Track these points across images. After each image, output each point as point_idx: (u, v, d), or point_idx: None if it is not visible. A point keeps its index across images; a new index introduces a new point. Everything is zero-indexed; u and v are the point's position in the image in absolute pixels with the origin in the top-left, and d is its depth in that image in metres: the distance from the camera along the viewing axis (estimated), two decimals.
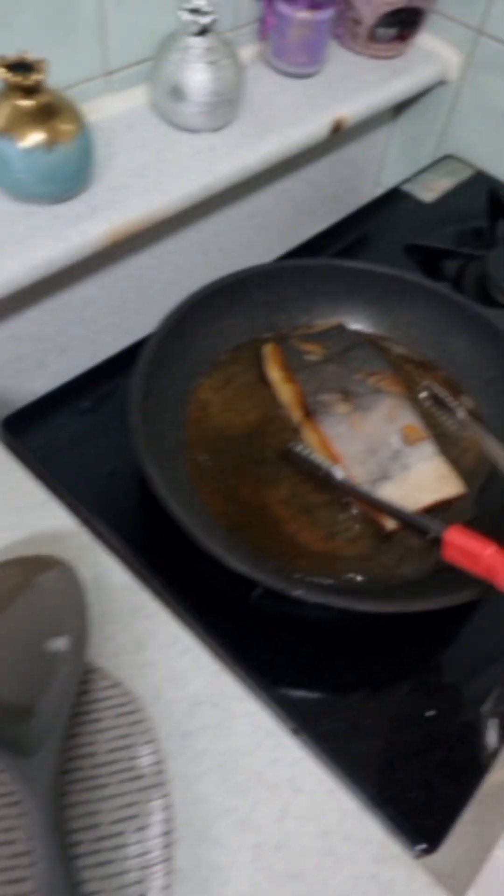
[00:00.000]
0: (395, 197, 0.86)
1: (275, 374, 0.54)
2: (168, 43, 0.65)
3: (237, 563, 0.41)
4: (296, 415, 0.53)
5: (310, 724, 0.45)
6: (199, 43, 0.64)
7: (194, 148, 0.68)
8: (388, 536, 0.49)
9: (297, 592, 0.40)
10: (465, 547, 0.38)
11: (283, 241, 0.96)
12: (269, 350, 0.56)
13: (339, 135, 0.84)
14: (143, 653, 0.49)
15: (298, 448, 0.51)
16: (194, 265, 0.82)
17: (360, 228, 0.83)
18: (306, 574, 0.47)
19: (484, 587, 0.41)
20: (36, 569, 0.48)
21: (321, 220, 0.99)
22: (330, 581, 0.47)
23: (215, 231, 0.81)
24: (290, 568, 0.48)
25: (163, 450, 0.51)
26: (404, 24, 0.84)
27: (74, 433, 0.58)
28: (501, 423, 0.57)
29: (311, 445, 0.50)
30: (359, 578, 0.48)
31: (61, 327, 0.71)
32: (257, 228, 0.88)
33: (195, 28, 0.63)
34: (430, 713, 0.45)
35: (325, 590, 0.42)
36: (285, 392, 0.54)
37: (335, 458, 0.50)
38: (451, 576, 0.48)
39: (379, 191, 1.06)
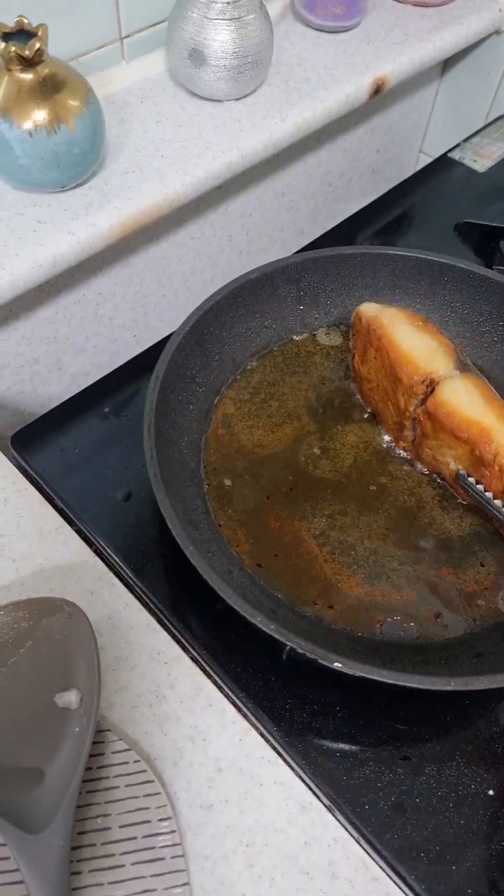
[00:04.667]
0: (442, 166, 0.77)
1: (405, 329, 0.45)
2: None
3: (268, 624, 0.35)
4: (442, 368, 0.43)
5: (348, 800, 0.39)
6: None
7: (217, 120, 0.61)
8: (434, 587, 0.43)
9: (337, 665, 0.34)
10: None
11: (317, 221, 0.87)
12: (376, 308, 0.47)
13: (380, 97, 0.75)
14: (161, 705, 0.44)
15: (472, 479, 0.43)
16: (218, 252, 0.75)
17: (403, 204, 0.74)
18: (346, 626, 0.41)
19: None
20: (43, 612, 0.43)
21: (358, 196, 0.91)
22: (375, 637, 0.41)
23: (241, 212, 0.73)
24: (327, 619, 0.41)
25: (182, 475, 0.45)
26: None
27: (88, 451, 0.53)
28: None
29: (451, 410, 0.42)
30: (412, 629, 0.41)
31: (76, 326, 0.65)
32: (287, 207, 0.80)
33: None
34: (492, 792, 0.39)
35: (368, 657, 0.36)
36: (425, 344, 0.44)
37: (501, 412, 0.42)
38: None
39: (424, 160, 0.96)
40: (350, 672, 0.34)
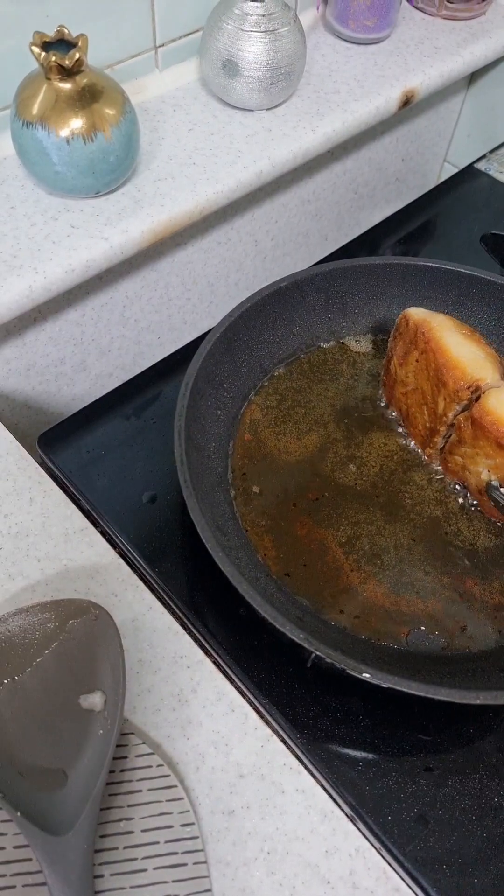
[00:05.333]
0: (468, 177, 0.77)
1: (454, 336, 0.45)
2: (221, 9, 0.58)
3: (297, 633, 0.35)
4: (490, 377, 0.44)
5: (371, 810, 0.39)
6: (255, 9, 0.56)
7: (248, 129, 0.61)
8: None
9: (365, 675, 0.34)
10: None
11: (342, 228, 0.88)
12: (425, 313, 0.47)
13: (407, 107, 0.76)
14: (184, 709, 0.44)
15: (502, 489, 0.43)
16: (243, 257, 0.75)
17: (428, 214, 0.74)
18: (371, 635, 0.41)
19: None
20: (70, 613, 0.43)
21: (382, 205, 0.91)
22: (400, 647, 0.41)
23: (267, 219, 0.74)
24: (354, 628, 0.41)
25: (210, 481, 0.46)
26: None
27: (113, 453, 0.53)
28: None
29: (498, 418, 0.41)
30: (438, 640, 0.41)
31: (102, 328, 0.66)
32: (313, 215, 0.80)
33: None
34: None
35: (395, 668, 0.36)
36: (473, 352, 0.45)
37: None
38: None
39: (448, 169, 0.96)
40: (379, 683, 0.34)
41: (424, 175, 0.96)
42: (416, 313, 0.46)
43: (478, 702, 0.33)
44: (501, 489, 0.43)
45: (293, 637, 0.35)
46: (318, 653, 0.34)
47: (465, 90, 0.89)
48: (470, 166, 0.78)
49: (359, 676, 0.34)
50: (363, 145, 0.80)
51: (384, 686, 0.34)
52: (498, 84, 0.84)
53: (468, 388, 0.43)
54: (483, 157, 0.79)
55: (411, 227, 0.73)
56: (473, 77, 0.87)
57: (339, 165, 0.79)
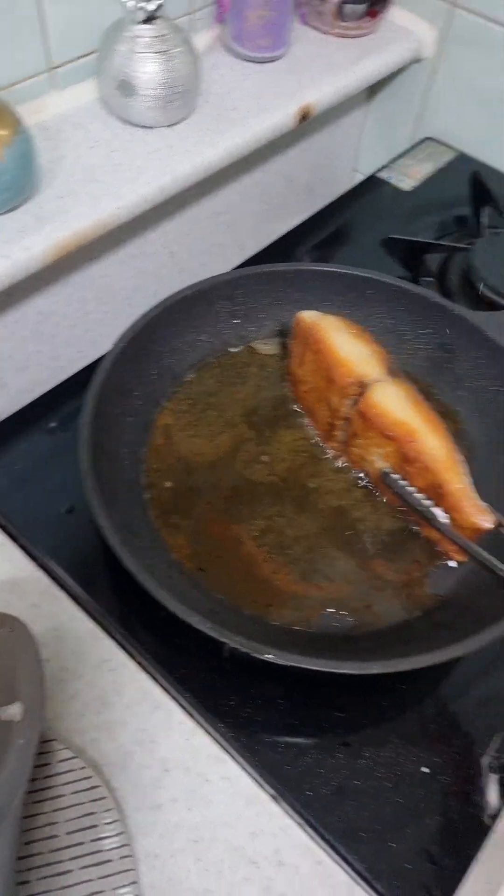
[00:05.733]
0: (372, 185, 0.81)
1: (341, 335, 0.47)
2: (113, 32, 0.60)
3: (203, 623, 0.36)
4: (374, 373, 0.46)
5: (292, 789, 0.40)
6: (146, 31, 0.58)
7: (149, 146, 0.63)
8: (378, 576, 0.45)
9: (268, 656, 0.36)
10: None
11: (257, 238, 0.90)
12: (315, 315, 0.50)
13: (310, 120, 0.79)
14: (108, 712, 0.45)
15: (395, 476, 0.46)
16: (160, 269, 0.77)
17: (336, 221, 0.78)
18: (284, 621, 0.43)
19: (481, 639, 0.37)
20: None
21: (296, 213, 0.94)
22: (311, 630, 0.43)
23: (180, 232, 0.76)
24: (266, 616, 0.43)
25: (121, 486, 0.47)
26: None
27: (31, 466, 0.54)
28: (488, 438, 0.52)
29: (381, 411, 0.44)
30: (347, 620, 0.43)
31: (17, 344, 0.66)
32: (227, 226, 0.83)
33: (141, 15, 0.58)
34: (426, 770, 0.41)
35: (303, 649, 0.38)
36: (359, 350, 0.47)
37: (429, 417, 0.45)
38: (443, 616, 0.44)
39: (359, 179, 1.00)
40: (281, 662, 0.36)
41: (335, 184, 1.00)
42: (308, 316, 0.49)
43: (374, 671, 0.35)
44: (393, 476, 0.45)
45: (199, 627, 0.36)
46: (222, 640, 0.36)
47: (367, 104, 0.93)
48: (373, 176, 0.82)
49: (263, 658, 0.36)
50: (271, 158, 0.83)
51: (286, 665, 0.36)
52: (395, 97, 0.89)
53: (355, 384, 0.45)
54: (385, 166, 0.83)
55: (321, 234, 0.76)
56: (373, 90, 0.91)
57: (248, 178, 0.81)
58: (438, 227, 0.76)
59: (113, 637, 0.47)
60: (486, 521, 0.40)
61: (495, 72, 0.77)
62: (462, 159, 0.84)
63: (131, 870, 0.38)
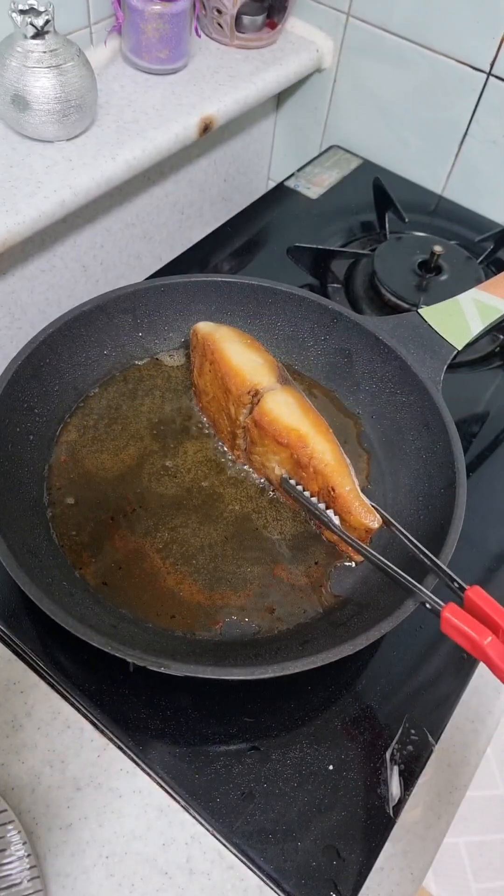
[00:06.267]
0: (280, 194, 0.83)
1: (235, 345, 0.48)
2: (4, 47, 0.59)
3: (96, 639, 0.37)
4: (266, 381, 0.47)
5: (201, 797, 0.41)
6: (36, 46, 0.58)
7: (48, 160, 0.63)
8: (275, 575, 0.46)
9: (162, 668, 0.36)
10: (460, 629, 0.35)
11: (174, 248, 0.91)
12: (211, 326, 0.51)
13: (219, 130, 0.80)
14: (19, 734, 0.44)
15: (293, 481, 0.47)
16: (73, 283, 0.76)
17: (248, 230, 0.79)
18: (187, 632, 0.44)
19: (370, 636, 0.38)
20: None
21: (212, 223, 0.95)
22: (215, 638, 0.43)
23: (92, 244, 0.76)
24: (170, 627, 0.44)
25: (22, 505, 0.46)
26: (271, 10, 0.79)
27: None
28: (386, 439, 0.54)
29: (274, 418, 0.46)
30: (250, 626, 0.44)
31: None
32: (140, 237, 0.83)
33: (30, 30, 0.58)
34: (331, 767, 0.42)
35: (202, 658, 0.39)
36: (252, 360, 0.48)
37: (318, 422, 0.46)
38: (341, 615, 0.45)
39: (272, 187, 1.02)
40: (175, 673, 0.36)
41: (251, 193, 1.01)
42: (203, 327, 0.50)
43: (268, 675, 0.36)
44: (291, 481, 0.46)
45: (92, 642, 0.36)
46: (116, 654, 0.36)
47: (275, 113, 0.95)
48: (281, 184, 0.84)
49: (158, 670, 0.36)
50: (181, 168, 0.83)
51: (181, 675, 0.36)
52: (302, 106, 0.91)
53: (248, 392, 0.46)
54: (292, 175, 0.85)
55: (234, 243, 0.77)
56: (280, 100, 0.93)
57: (159, 189, 0.82)
58: (346, 234, 0.78)
59: (22, 658, 0.46)
60: (373, 521, 0.42)
61: (390, 79, 0.80)
62: (367, 166, 0.86)
63: (40, 890, 0.38)
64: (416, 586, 0.38)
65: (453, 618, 0.35)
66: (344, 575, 0.47)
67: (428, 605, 0.38)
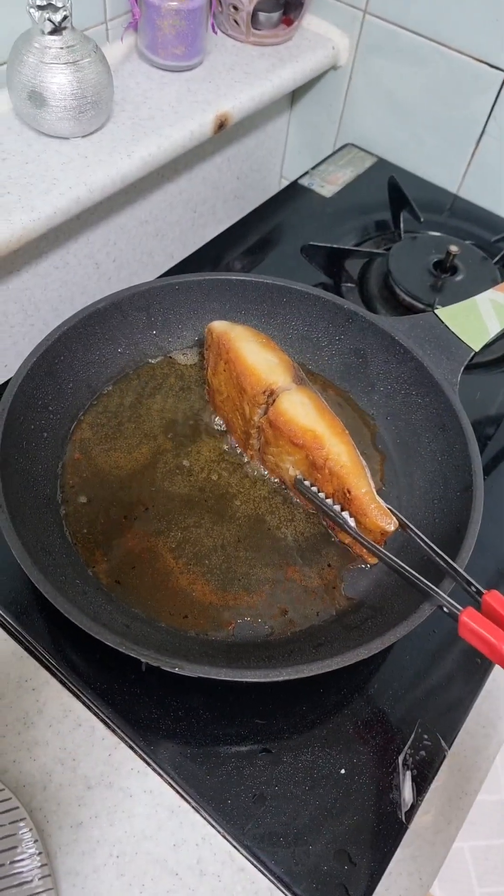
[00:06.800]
0: (294, 192, 0.82)
1: (250, 345, 0.48)
2: (22, 43, 0.59)
3: (111, 638, 0.36)
4: (282, 381, 0.47)
5: (212, 798, 0.41)
6: (54, 42, 0.58)
7: (64, 157, 0.63)
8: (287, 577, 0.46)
9: (176, 669, 0.36)
10: (479, 634, 0.35)
11: (186, 246, 0.90)
12: (226, 325, 0.51)
13: (233, 127, 0.79)
14: (30, 731, 0.44)
15: (307, 482, 0.46)
16: (86, 280, 0.76)
17: (261, 228, 0.78)
18: (200, 632, 0.43)
19: (385, 641, 0.38)
20: None
21: (224, 221, 0.95)
22: (228, 639, 0.43)
23: (105, 241, 0.75)
24: (182, 627, 0.43)
25: (37, 503, 0.46)
26: (287, 7, 0.79)
27: None
28: (401, 441, 0.53)
29: (289, 419, 0.45)
30: (263, 627, 0.44)
31: None
32: (153, 234, 0.83)
33: (48, 26, 0.57)
34: (343, 771, 0.42)
35: (215, 659, 0.38)
36: (267, 359, 0.48)
37: (334, 423, 0.46)
38: (354, 618, 0.45)
39: (286, 185, 1.01)
40: (189, 674, 0.36)
41: (263, 191, 1.01)
42: (218, 326, 0.49)
43: (282, 678, 0.36)
44: (306, 482, 0.46)
45: (107, 642, 0.36)
46: (131, 654, 0.36)
47: (289, 111, 0.94)
48: (295, 182, 0.83)
49: (171, 671, 0.36)
50: (195, 166, 0.83)
51: (194, 676, 0.36)
52: (317, 103, 0.90)
53: (264, 392, 0.46)
54: (306, 173, 0.85)
55: (248, 241, 0.77)
56: (295, 98, 0.92)
57: (173, 186, 0.81)
58: (360, 233, 0.78)
59: (34, 655, 0.46)
60: (389, 523, 0.42)
61: (406, 76, 0.79)
62: (382, 164, 0.85)
63: (51, 889, 0.38)
64: (433, 590, 0.38)
65: (472, 622, 0.35)
66: (357, 577, 0.47)
67: (445, 609, 0.37)
